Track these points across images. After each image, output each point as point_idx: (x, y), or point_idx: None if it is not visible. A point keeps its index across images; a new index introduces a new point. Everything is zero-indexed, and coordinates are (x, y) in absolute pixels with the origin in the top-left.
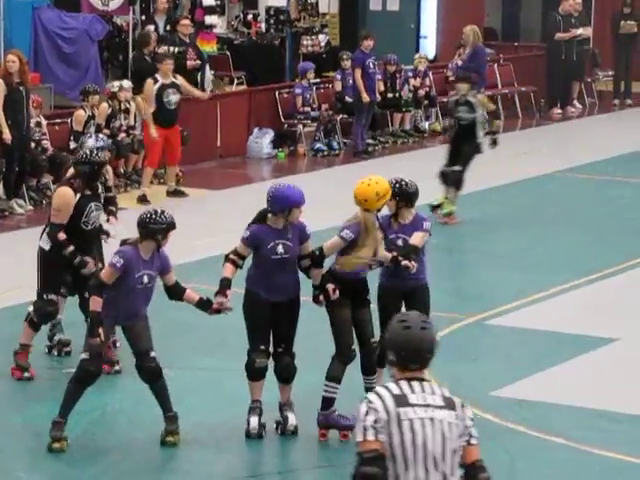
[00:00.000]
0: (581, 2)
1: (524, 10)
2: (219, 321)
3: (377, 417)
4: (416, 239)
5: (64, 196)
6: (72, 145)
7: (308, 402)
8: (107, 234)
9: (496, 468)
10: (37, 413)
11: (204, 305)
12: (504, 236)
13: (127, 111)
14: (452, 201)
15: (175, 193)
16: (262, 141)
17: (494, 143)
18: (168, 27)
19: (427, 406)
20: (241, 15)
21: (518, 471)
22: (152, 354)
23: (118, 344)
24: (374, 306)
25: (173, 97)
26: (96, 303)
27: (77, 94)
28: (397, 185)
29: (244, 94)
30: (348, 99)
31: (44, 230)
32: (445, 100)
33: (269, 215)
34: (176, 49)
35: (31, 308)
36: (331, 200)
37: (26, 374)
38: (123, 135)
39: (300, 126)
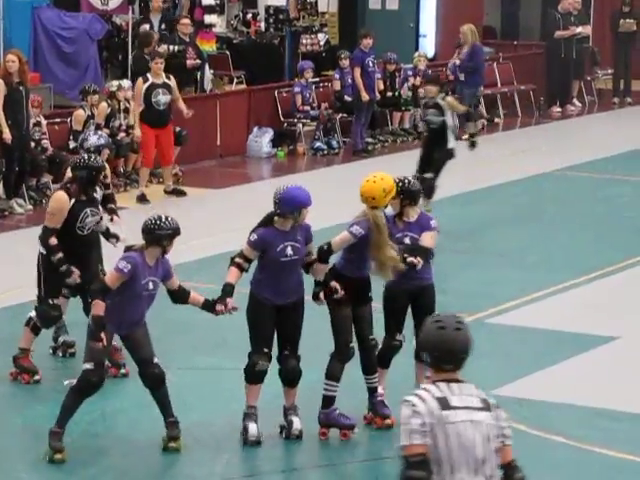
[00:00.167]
0: (580, 0)
1: (523, 9)
2: (219, 321)
3: (422, 420)
4: (428, 240)
5: (58, 200)
6: (72, 145)
7: (309, 401)
8: (116, 238)
9: None
10: (38, 414)
11: (210, 307)
12: (503, 234)
13: (126, 110)
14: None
15: (174, 192)
16: (262, 140)
17: (472, 145)
18: (163, 26)
19: (467, 408)
20: (240, 14)
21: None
22: (155, 360)
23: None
24: (376, 305)
25: (162, 97)
26: (99, 307)
27: (77, 94)
28: (400, 184)
29: (243, 93)
30: (347, 98)
31: None
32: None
33: (276, 218)
34: (176, 48)
35: (33, 313)
36: (331, 199)
37: (36, 377)
38: (123, 135)
39: (299, 125)
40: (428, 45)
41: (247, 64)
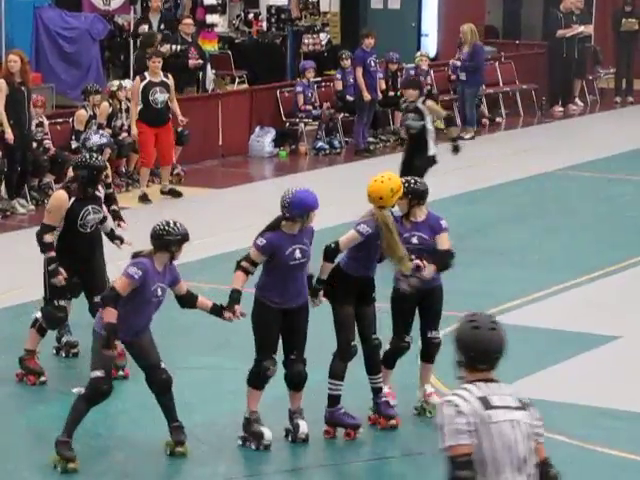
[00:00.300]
0: (583, 0)
1: (525, 8)
2: (220, 321)
3: (467, 420)
4: (445, 243)
5: (57, 199)
6: (74, 145)
7: (312, 401)
8: (121, 240)
9: None
10: (41, 414)
11: (218, 311)
12: (505, 234)
13: (128, 110)
14: None
15: (170, 193)
16: (264, 140)
17: (456, 150)
18: (162, 26)
19: (507, 408)
20: (242, 14)
21: None
22: (162, 365)
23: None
24: (381, 305)
25: (160, 96)
26: (110, 314)
27: (78, 94)
28: (407, 184)
29: (245, 93)
30: (349, 98)
31: None
32: (447, 98)
33: (284, 221)
34: (179, 47)
35: (38, 314)
36: (333, 199)
37: (42, 378)
38: (125, 135)
39: (301, 125)
40: (430, 44)
41: (249, 64)
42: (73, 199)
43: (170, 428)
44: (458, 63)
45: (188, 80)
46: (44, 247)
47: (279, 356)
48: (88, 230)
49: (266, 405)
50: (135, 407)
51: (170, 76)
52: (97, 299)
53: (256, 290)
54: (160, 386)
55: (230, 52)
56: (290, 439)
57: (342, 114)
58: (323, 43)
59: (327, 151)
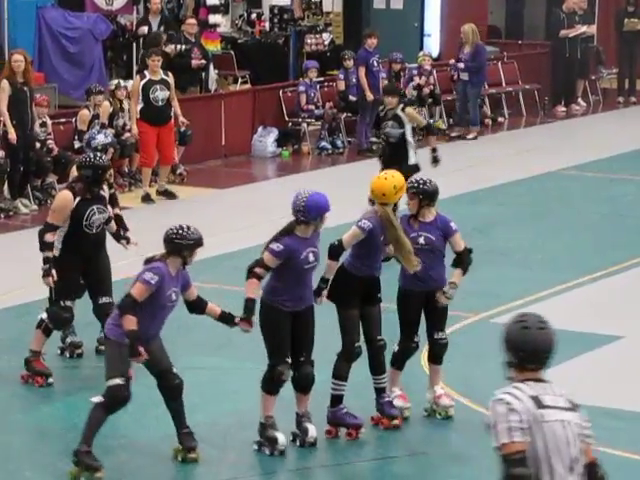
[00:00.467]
0: (586, 0)
1: (528, 8)
2: None
3: (520, 418)
4: (460, 244)
5: (62, 199)
6: (77, 145)
7: (315, 401)
8: (127, 240)
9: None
10: (44, 414)
11: (227, 319)
12: (508, 234)
13: (124, 109)
14: None
15: (164, 193)
16: (266, 140)
17: (435, 161)
18: (162, 28)
19: (558, 408)
20: (245, 14)
21: None
22: (174, 370)
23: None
24: (386, 306)
25: (160, 93)
26: (130, 322)
27: (81, 94)
28: (417, 184)
29: (248, 93)
30: (352, 98)
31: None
32: (450, 98)
33: (298, 225)
34: (183, 47)
35: (44, 315)
36: (336, 199)
37: (50, 379)
38: (128, 134)
39: (304, 125)
40: (433, 44)
41: (252, 64)
42: (78, 199)
43: (180, 435)
44: (459, 64)
45: (191, 80)
46: (43, 246)
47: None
48: (94, 231)
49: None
50: (138, 407)
51: (170, 74)
52: (103, 300)
53: (265, 294)
54: (172, 392)
55: (233, 52)
56: (298, 443)
57: (345, 114)
58: (326, 43)
59: (330, 151)
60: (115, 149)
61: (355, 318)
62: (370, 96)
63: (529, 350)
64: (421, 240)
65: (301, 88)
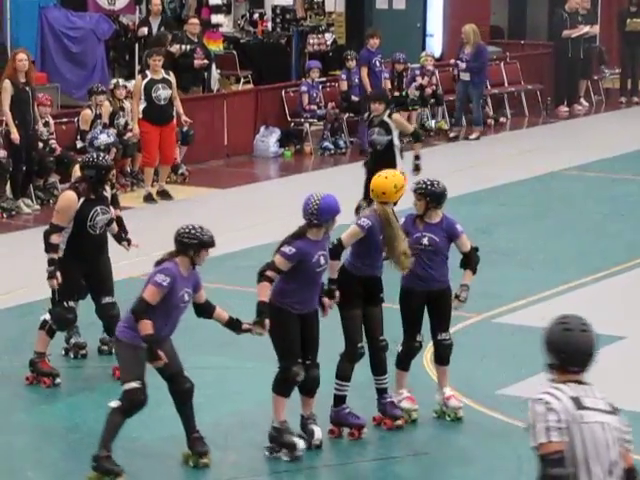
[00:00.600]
0: (589, 0)
1: (530, 8)
2: None
3: (559, 417)
4: (466, 245)
5: (67, 199)
6: (79, 144)
7: (317, 400)
8: (128, 242)
9: (503, 467)
10: (46, 413)
11: (233, 325)
12: (510, 234)
13: (124, 109)
14: None
15: (160, 194)
16: (269, 140)
17: (417, 169)
18: (162, 29)
19: (598, 410)
20: (247, 14)
21: (525, 470)
22: (185, 373)
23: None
24: (389, 306)
25: (162, 92)
26: (146, 326)
27: (83, 93)
28: (424, 186)
29: (250, 93)
30: (354, 98)
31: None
32: (452, 99)
33: (310, 228)
34: (188, 47)
35: (47, 316)
36: (338, 199)
37: (57, 380)
38: (130, 134)
39: (306, 125)
40: (435, 45)
41: (254, 64)
42: (82, 200)
43: (190, 440)
44: (461, 64)
45: (193, 80)
46: (49, 247)
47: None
48: (97, 232)
49: (264, 409)
50: None
51: (171, 73)
52: (106, 300)
53: (274, 297)
54: (183, 395)
55: (235, 52)
56: (305, 446)
57: (347, 114)
58: (328, 43)
59: (332, 151)
60: (118, 149)
61: (357, 318)
62: None
63: (571, 352)
64: (424, 241)
65: (303, 88)
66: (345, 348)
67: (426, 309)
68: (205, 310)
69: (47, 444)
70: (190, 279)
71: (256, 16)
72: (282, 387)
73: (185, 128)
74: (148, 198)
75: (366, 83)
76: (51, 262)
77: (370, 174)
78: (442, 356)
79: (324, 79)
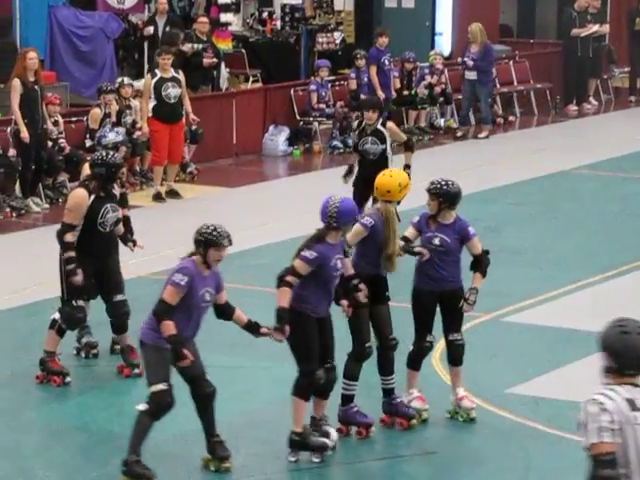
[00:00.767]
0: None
1: (539, 7)
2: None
3: (612, 418)
4: (477, 247)
5: (77, 197)
6: (88, 143)
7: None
8: (134, 242)
9: (512, 466)
10: (56, 411)
11: (252, 328)
12: (519, 233)
13: (130, 107)
14: None
15: (170, 193)
16: (278, 139)
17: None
18: (168, 28)
19: None
20: (256, 13)
21: (534, 469)
22: (207, 377)
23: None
24: (399, 305)
25: (172, 90)
26: (169, 327)
27: (93, 92)
28: (439, 186)
29: (259, 92)
30: (363, 97)
31: None
32: (461, 97)
33: (329, 232)
34: (200, 46)
35: (57, 315)
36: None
37: (67, 379)
38: (139, 133)
39: (315, 123)
40: (444, 43)
41: (263, 62)
42: (93, 197)
43: (210, 444)
44: (469, 62)
45: (202, 79)
46: (64, 246)
47: (291, 363)
48: (107, 229)
49: (275, 408)
50: None
51: (181, 72)
52: (118, 298)
53: (293, 302)
54: (205, 400)
55: (244, 51)
56: None
57: (356, 113)
58: (337, 42)
59: (341, 150)
60: (127, 147)
61: (364, 317)
62: (381, 95)
63: (630, 356)
64: (436, 241)
65: (312, 87)
66: (353, 348)
67: (439, 309)
68: (225, 311)
69: (57, 443)
70: (212, 279)
71: (265, 15)
72: (305, 391)
73: (194, 127)
74: (157, 197)
75: (375, 82)
76: (70, 260)
77: (359, 186)
78: (455, 356)
79: (333, 78)
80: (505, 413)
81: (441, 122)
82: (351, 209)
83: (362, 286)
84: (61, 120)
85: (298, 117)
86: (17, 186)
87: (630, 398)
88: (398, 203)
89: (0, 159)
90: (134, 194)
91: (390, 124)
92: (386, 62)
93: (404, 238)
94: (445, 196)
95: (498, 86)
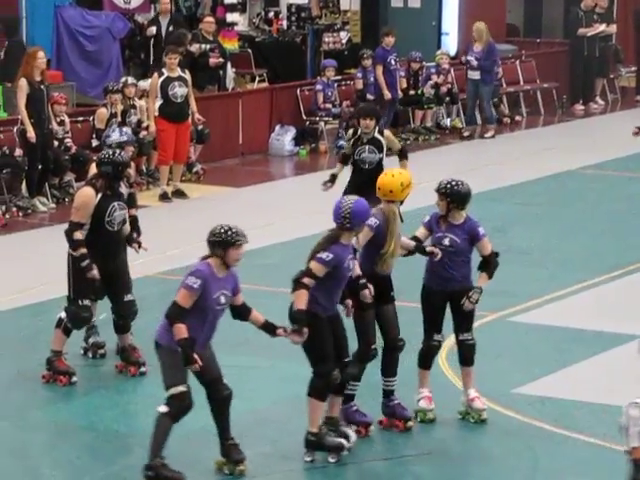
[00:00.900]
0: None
1: (546, 6)
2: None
3: None
4: (486, 248)
5: (84, 196)
6: (94, 143)
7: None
8: (139, 244)
9: (519, 465)
10: (62, 411)
11: (269, 329)
12: (526, 233)
13: (134, 107)
14: None
15: (176, 193)
16: (284, 138)
17: None
18: (171, 28)
19: None
20: (262, 12)
21: (541, 468)
22: (224, 380)
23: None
24: (409, 304)
25: (179, 90)
26: (181, 330)
27: (99, 92)
28: (449, 186)
29: (266, 91)
30: (369, 96)
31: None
32: (464, 97)
33: (343, 233)
34: (208, 46)
35: (63, 314)
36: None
37: (74, 378)
38: (145, 133)
39: (321, 123)
40: (450, 43)
41: (269, 62)
42: (100, 195)
43: (225, 447)
44: (472, 60)
45: (209, 78)
46: (74, 245)
47: (297, 362)
48: (115, 228)
49: (281, 407)
50: (154, 404)
51: (187, 72)
52: (128, 297)
53: (307, 304)
54: (222, 402)
55: (250, 51)
56: None
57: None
58: (343, 41)
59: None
60: (134, 147)
61: (370, 319)
62: (388, 95)
63: None
64: (446, 241)
65: (318, 87)
66: (358, 348)
67: (449, 309)
68: (241, 313)
69: (63, 442)
70: (227, 281)
71: (271, 14)
72: (321, 392)
73: (200, 127)
74: (164, 197)
75: (381, 82)
76: (83, 257)
77: (354, 192)
78: (465, 356)
79: (339, 77)
80: (511, 413)
81: (447, 122)
82: (365, 210)
83: (369, 285)
84: (67, 120)
85: (304, 117)
86: (23, 186)
87: None
88: (401, 203)
89: (6, 159)
90: (140, 194)
91: (387, 132)
92: (392, 62)
93: (414, 238)
94: (454, 196)
95: (504, 86)
